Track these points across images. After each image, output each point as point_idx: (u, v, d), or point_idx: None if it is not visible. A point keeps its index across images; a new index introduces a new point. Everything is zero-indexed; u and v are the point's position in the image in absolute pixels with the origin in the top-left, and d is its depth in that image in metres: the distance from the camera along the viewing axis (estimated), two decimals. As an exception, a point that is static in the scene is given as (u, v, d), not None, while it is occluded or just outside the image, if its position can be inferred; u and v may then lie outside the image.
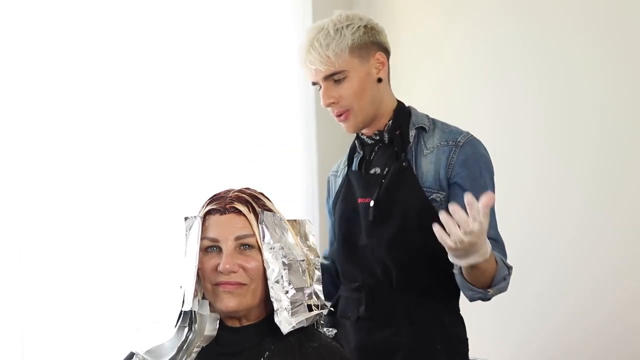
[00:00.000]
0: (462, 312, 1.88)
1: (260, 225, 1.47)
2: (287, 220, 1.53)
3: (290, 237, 1.51)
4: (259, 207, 1.49)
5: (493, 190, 1.83)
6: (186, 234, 1.49)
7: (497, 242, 1.77)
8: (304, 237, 1.55)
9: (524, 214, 2.60)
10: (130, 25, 2.53)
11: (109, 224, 2.44)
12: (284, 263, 1.46)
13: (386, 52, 1.87)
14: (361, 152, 1.93)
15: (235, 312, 1.46)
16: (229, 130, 2.79)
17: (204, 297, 1.50)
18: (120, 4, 2.51)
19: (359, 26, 1.81)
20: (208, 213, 1.49)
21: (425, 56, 3.01)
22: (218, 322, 1.48)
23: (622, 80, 2.42)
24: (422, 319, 1.80)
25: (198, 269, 1.46)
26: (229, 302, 1.44)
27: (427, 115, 1.90)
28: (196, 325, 1.46)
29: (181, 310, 1.46)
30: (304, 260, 1.51)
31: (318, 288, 1.53)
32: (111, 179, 2.46)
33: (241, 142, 2.82)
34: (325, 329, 1.55)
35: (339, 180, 1.98)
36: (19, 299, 2.25)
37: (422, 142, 1.84)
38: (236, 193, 1.51)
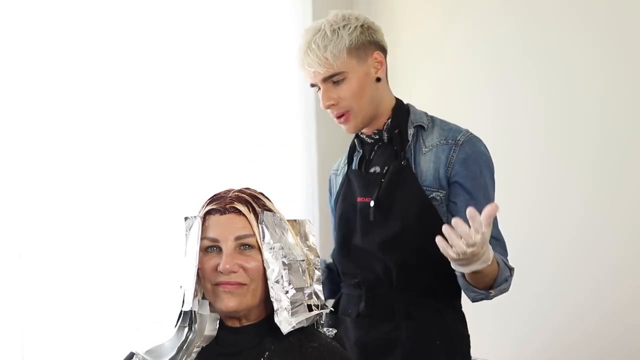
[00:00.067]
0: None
1: (260, 225, 1.47)
2: (287, 220, 1.53)
3: (290, 237, 1.51)
4: (259, 207, 1.49)
5: (493, 188, 1.83)
6: (186, 234, 1.49)
7: (498, 240, 1.77)
8: (304, 237, 1.56)
9: (524, 214, 2.60)
10: (130, 25, 2.53)
11: (109, 224, 2.44)
12: (284, 263, 1.46)
13: (384, 50, 1.87)
14: (361, 151, 1.93)
15: (235, 312, 1.46)
16: (229, 130, 2.79)
17: (204, 297, 1.50)
18: (120, 4, 2.51)
19: (356, 26, 1.81)
20: (208, 213, 1.49)
21: (425, 56, 3.01)
22: (218, 322, 1.48)
23: (622, 80, 2.42)
24: (422, 315, 1.80)
25: (198, 269, 1.46)
26: (229, 302, 1.44)
27: (425, 113, 1.89)
28: (196, 325, 1.46)
29: (181, 310, 1.46)
30: (304, 260, 1.51)
31: (318, 288, 1.53)
32: (111, 179, 2.46)
33: (241, 142, 2.82)
34: (325, 329, 1.55)
35: (340, 179, 1.98)
36: (19, 299, 2.25)
37: (421, 141, 1.84)
38: (236, 193, 1.51)
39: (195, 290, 1.45)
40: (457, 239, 1.48)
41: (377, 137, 1.88)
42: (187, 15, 2.69)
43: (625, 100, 2.42)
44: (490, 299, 1.73)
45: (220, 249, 1.46)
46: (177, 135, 2.64)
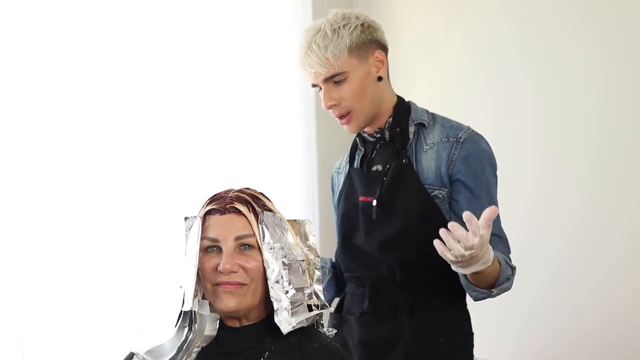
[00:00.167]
0: (462, 312, 1.88)
1: (260, 225, 1.47)
2: (287, 220, 1.53)
3: (290, 237, 1.51)
4: (259, 207, 1.49)
5: (496, 186, 1.82)
6: (186, 234, 1.49)
7: (500, 238, 1.77)
8: (304, 237, 1.55)
9: (524, 214, 2.60)
10: (130, 26, 2.53)
11: (109, 224, 2.44)
12: (284, 263, 1.46)
13: (385, 49, 1.86)
14: (362, 149, 1.92)
15: (235, 312, 1.46)
16: (229, 130, 2.79)
17: (204, 297, 1.50)
18: (120, 4, 2.51)
19: (356, 25, 1.80)
20: (208, 213, 1.49)
21: (425, 56, 3.01)
22: (218, 322, 1.48)
23: (622, 80, 2.42)
24: (425, 314, 1.80)
25: (198, 269, 1.46)
26: (229, 302, 1.44)
27: (426, 110, 1.89)
28: (196, 325, 1.46)
29: (181, 310, 1.46)
30: (304, 260, 1.51)
31: (318, 288, 1.52)
32: (111, 179, 2.46)
33: (241, 142, 2.82)
34: (325, 329, 1.55)
35: (342, 178, 1.98)
36: (19, 299, 2.25)
37: (422, 138, 1.84)
38: (236, 193, 1.51)
39: (195, 290, 1.45)
40: (454, 243, 1.48)
41: (378, 135, 1.87)
42: (187, 15, 2.69)
43: (625, 100, 2.42)
44: (493, 297, 1.73)
45: (220, 249, 1.46)
46: (177, 135, 2.64)
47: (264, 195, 1.54)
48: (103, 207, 2.43)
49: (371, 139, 1.89)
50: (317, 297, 1.52)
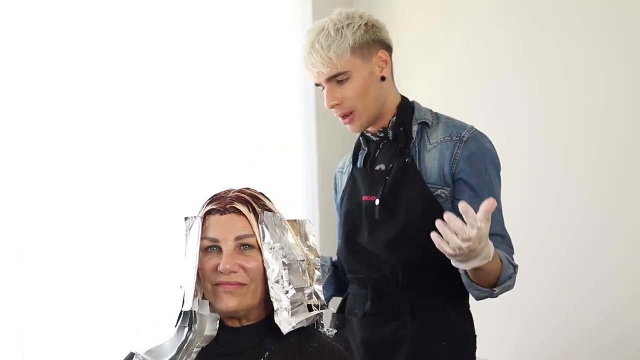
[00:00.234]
0: (462, 312, 1.88)
1: (260, 225, 1.47)
2: (287, 220, 1.53)
3: (290, 237, 1.51)
4: (259, 207, 1.49)
5: (499, 185, 1.81)
6: (186, 234, 1.49)
7: (503, 237, 1.76)
8: (304, 237, 1.55)
9: (524, 214, 2.60)
10: (130, 25, 2.53)
11: (109, 224, 2.44)
12: (284, 263, 1.46)
13: (388, 49, 1.86)
14: (366, 149, 1.92)
15: (235, 312, 1.46)
16: (229, 130, 2.79)
17: (204, 297, 1.50)
18: (120, 4, 2.51)
19: (360, 25, 1.80)
20: (208, 213, 1.49)
21: (425, 56, 3.01)
22: (218, 322, 1.48)
23: (621, 80, 2.42)
24: (427, 315, 1.79)
25: (198, 269, 1.46)
26: (229, 302, 1.44)
27: (430, 110, 1.89)
28: (196, 325, 1.46)
29: (181, 310, 1.46)
30: (304, 260, 1.51)
31: (318, 288, 1.52)
32: (111, 179, 2.46)
33: (241, 142, 2.82)
34: (325, 329, 1.55)
35: (345, 177, 1.98)
36: (19, 299, 2.25)
37: (426, 137, 1.83)
38: (236, 193, 1.51)
39: (195, 290, 1.45)
40: (451, 234, 1.47)
41: (382, 134, 1.87)
42: (187, 15, 2.70)
43: (626, 100, 2.42)
44: (495, 297, 1.72)
45: (220, 249, 1.46)
46: (177, 135, 2.64)
47: (264, 195, 1.54)
48: (103, 207, 2.43)
49: (374, 138, 1.89)
50: (317, 297, 1.52)
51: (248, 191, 1.53)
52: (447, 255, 1.54)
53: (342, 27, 1.78)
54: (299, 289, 1.47)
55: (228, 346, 1.48)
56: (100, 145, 2.45)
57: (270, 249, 1.46)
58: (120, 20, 2.51)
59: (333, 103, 1.82)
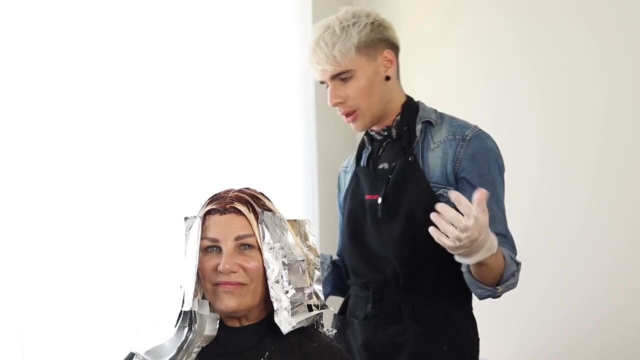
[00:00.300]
0: (462, 312, 1.87)
1: (260, 225, 1.47)
2: (287, 220, 1.53)
3: (290, 237, 1.51)
4: (259, 207, 1.49)
5: (503, 186, 1.80)
6: (186, 234, 1.49)
7: (506, 238, 1.75)
8: (304, 237, 1.55)
9: (524, 214, 2.59)
10: (131, 25, 2.53)
11: (109, 224, 2.44)
12: (284, 263, 1.46)
13: (395, 48, 1.85)
14: (370, 147, 1.92)
15: (235, 312, 1.46)
16: (229, 130, 2.79)
17: (204, 297, 1.50)
18: (120, 4, 2.51)
19: (366, 23, 1.80)
20: (208, 213, 1.49)
21: (425, 56, 3.01)
22: (218, 322, 1.48)
23: (622, 80, 2.43)
24: (429, 318, 1.78)
25: (198, 269, 1.46)
26: (229, 302, 1.44)
27: (435, 110, 1.88)
28: (196, 325, 1.46)
29: (181, 310, 1.46)
30: (304, 260, 1.51)
31: (318, 288, 1.52)
32: (111, 179, 2.46)
33: (241, 142, 2.82)
34: (325, 329, 1.55)
35: (349, 177, 1.97)
36: (19, 299, 2.25)
37: (429, 136, 1.83)
38: (236, 193, 1.51)
39: (195, 290, 1.45)
40: (447, 226, 1.47)
41: (386, 133, 1.87)
42: (187, 15, 2.69)
43: (625, 100, 2.42)
44: (498, 296, 1.70)
45: (220, 249, 1.46)
46: (177, 135, 2.64)
47: (264, 195, 1.54)
48: (103, 207, 2.43)
49: (378, 137, 1.88)
50: (317, 297, 1.52)
51: (248, 191, 1.53)
52: (449, 250, 1.52)
53: (348, 26, 1.78)
54: (299, 289, 1.47)
55: (228, 346, 1.48)
56: (100, 145, 2.45)
57: (270, 249, 1.46)
58: (121, 21, 2.51)
59: (336, 101, 1.82)
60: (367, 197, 1.86)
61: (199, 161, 2.69)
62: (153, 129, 2.58)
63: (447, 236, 1.48)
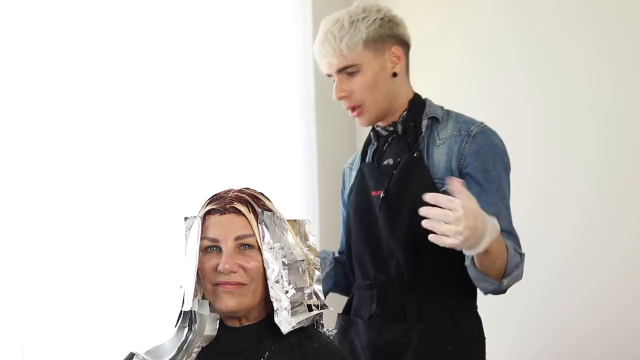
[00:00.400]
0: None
1: (260, 225, 1.47)
2: (287, 220, 1.53)
3: (290, 237, 1.51)
4: (259, 207, 1.49)
5: (508, 182, 1.79)
6: (186, 234, 1.49)
7: (510, 234, 1.74)
8: (304, 237, 1.55)
9: (526, 214, 2.57)
10: (130, 25, 2.53)
11: (109, 224, 2.44)
12: (283, 263, 1.46)
13: (404, 45, 1.85)
14: (375, 143, 1.91)
15: (235, 312, 1.46)
16: (229, 130, 2.79)
17: (204, 297, 1.50)
18: (120, 4, 2.51)
19: (375, 19, 1.80)
20: (208, 213, 1.49)
21: (425, 56, 3.01)
22: (218, 322, 1.48)
23: (622, 79, 2.43)
24: (434, 317, 1.77)
25: (198, 269, 1.46)
26: (229, 302, 1.44)
27: (441, 107, 1.88)
28: (196, 325, 1.46)
29: (181, 310, 1.46)
30: (303, 260, 1.51)
31: (318, 288, 1.52)
32: (111, 179, 2.46)
33: (241, 142, 2.82)
34: (325, 329, 1.55)
35: (354, 173, 1.97)
36: (19, 299, 2.25)
37: (435, 133, 1.82)
38: (236, 193, 1.51)
39: (195, 290, 1.46)
40: (440, 225, 1.47)
41: (391, 129, 1.86)
42: (187, 15, 2.69)
43: (626, 100, 2.42)
44: (504, 290, 1.69)
45: (220, 249, 1.46)
46: (177, 135, 2.64)
47: (263, 195, 1.54)
48: (103, 207, 2.43)
49: (384, 133, 1.88)
50: (317, 297, 1.52)
51: (248, 191, 1.53)
52: (457, 248, 1.52)
53: (357, 20, 1.79)
54: (299, 289, 1.48)
55: (228, 346, 1.48)
56: (100, 145, 2.44)
57: (270, 248, 1.46)
58: (120, 21, 2.51)
59: (341, 95, 1.82)
60: (373, 193, 1.84)
61: (199, 161, 2.69)
62: (153, 128, 2.57)
63: (447, 236, 1.48)
